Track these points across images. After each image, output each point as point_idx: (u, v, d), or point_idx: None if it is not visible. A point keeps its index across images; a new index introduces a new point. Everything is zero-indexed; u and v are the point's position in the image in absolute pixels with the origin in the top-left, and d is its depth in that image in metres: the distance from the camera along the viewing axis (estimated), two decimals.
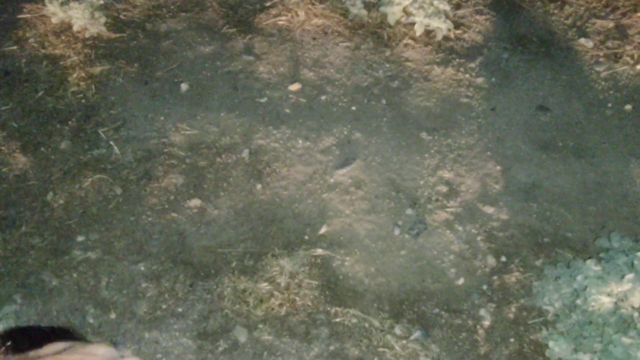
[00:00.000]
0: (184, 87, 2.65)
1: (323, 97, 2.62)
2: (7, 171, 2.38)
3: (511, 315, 2.08)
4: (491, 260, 2.20)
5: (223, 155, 2.43)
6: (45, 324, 2.03)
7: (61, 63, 2.70)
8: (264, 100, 2.61)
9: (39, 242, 2.20)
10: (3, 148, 2.43)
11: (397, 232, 2.25)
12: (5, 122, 2.52)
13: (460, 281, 2.15)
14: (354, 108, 2.59)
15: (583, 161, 2.45)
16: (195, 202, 2.31)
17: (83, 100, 2.59)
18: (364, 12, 2.89)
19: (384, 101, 2.62)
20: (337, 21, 2.89)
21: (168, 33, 2.83)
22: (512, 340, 2.04)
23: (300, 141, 2.48)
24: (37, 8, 2.86)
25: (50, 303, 2.07)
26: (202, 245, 2.21)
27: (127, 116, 2.55)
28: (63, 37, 2.76)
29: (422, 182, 2.38)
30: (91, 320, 2.04)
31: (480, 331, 2.05)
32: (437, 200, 2.34)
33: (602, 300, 1.96)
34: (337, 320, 2.05)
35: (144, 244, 2.21)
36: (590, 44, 2.83)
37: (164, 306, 2.07)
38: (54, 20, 2.79)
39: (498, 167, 2.43)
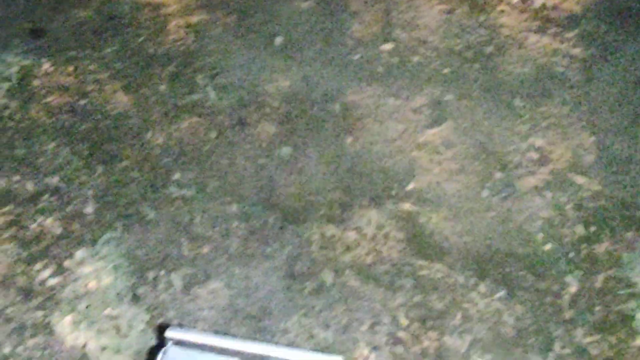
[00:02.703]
0: (278, 40, 2.70)
1: (415, 58, 2.63)
2: (110, 109, 2.49)
3: (598, 284, 2.07)
4: (580, 229, 2.18)
5: (315, 108, 2.48)
6: (141, 251, 2.14)
7: (162, 11, 2.79)
8: (356, 57, 2.64)
9: (138, 177, 2.31)
10: (107, 87, 2.55)
11: (485, 194, 2.25)
12: (110, 63, 2.63)
13: (548, 247, 2.14)
14: (446, 71, 2.59)
15: None
16: (286, 150, 2.37)
17: (182, 48, 2.68)
18: None
19: (477, 66, 2.60)
20: None
21: None
22: (597, 308, 2.02)
23: (391, 99, 2.50)
24: None
25: (148, 233, 2.17)
26: (292, 192, 2.27)
27: (223, 65, 2.62)
28: None
29: (512, 148, 2.37)
30: (186, 253, 2.13)
31: (566, 297, 2.04)
32: (527, 166, 2.33)
33: None
34: (422, 273, 2.08)
35: (236, 186, 2.29)
36: None
37: (254, 245, 2.15)
38: None
39: (592, 139, 2.39)
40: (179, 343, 1.53)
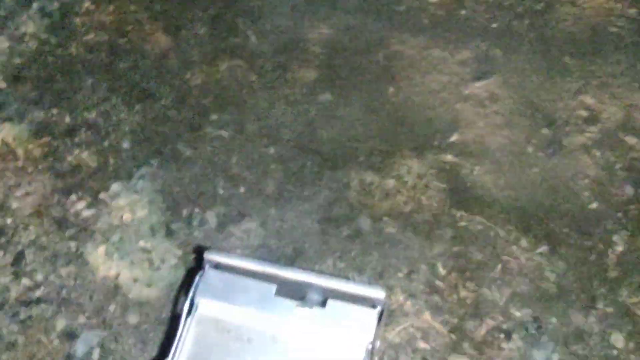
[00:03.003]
0: None
1: (463, 12, 2.54)
2: (149, 48, 2.46)
3: None
4: (629, 190, 2.09)
5: (357, 56, 2.42)
6: (176, 188, 2.11)
7: None
8: (402, 8, 2.56)
9: (176, 116, 2.28)
10: (147, 27, 2.52)
11: (530, 149, 2.18)
12: (149, 3, 2.59)
13: (594, 205, 2.07)
14: (494, 25, 2.50)
15: None
16: (327, 97, 2.31)
17: None
18: None
19: (526, 22, 2.51)
20: None
21: None
22: None
23: (436, 51, 2.42)
24: None
25: (184, 170, 2.15)
26: (331, 138, 2.22)
27: (265, 10, 2.57)
28: None
29: (561, 105, 2.28)
30: (221, 192, 2.10)
31: (612, 256, 1.97)
32: (575, 124, 2.24)
33: None
34: (462, 224, 2.02)
35: (274, 129, 2.25)
36: None
37: (290, 188, 2.11)
38: None
39: None
40: (217, 266, 1.51)
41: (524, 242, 1.99)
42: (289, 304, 1.47)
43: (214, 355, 1.48)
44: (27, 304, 1.94)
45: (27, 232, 2.06)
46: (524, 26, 2.50)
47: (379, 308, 1.45)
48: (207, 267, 1.50)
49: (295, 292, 1.48)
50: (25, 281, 1.98)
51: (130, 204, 2.07)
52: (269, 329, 1.50)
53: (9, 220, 2.08)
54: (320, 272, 1.58)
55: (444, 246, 1.98)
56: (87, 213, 2.07)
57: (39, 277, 1.98)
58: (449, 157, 2.16)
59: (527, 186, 2.11)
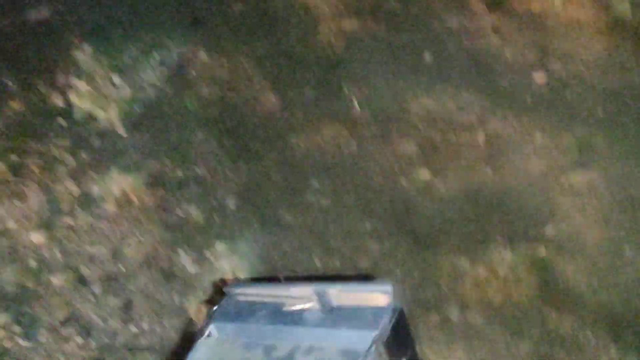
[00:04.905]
0: (426, 56, 2.67)
1: (568, 94, 2.53)
2: (258, 107, 2.58)
3: None
4: None
5: (458, 132, 2.46)
6: (275, 254, 2.23)
7: (313, 12, 2.83)
8: (505, 83, 2.57)
9: (279, 179, 2.39)
10: (257, 85, 2.64)
11: (628, 249, 2.16)
12: (260, 60, 2.71)
13: None
14: (600, 111, 2.48)
15: None
16: (424, 173, 2.37)
17: (329, 52, 2.71)
18: (627, 9, 2.70)
19: (634, 110, 2.47)
20: (595, 15, 2.73)
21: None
22: None
23: (538, 134, 2.43)
24: None
25: (283, 237, 2.26)
26: (426, 217, 2.28)
27: (369, 75, 2.63)
28: None
29: None
30: (317, 263, 2.20)
31: None
32: None
33: None
34: (551, 324, 2.04)
35: (371, 203, 2.32)
36: None
37: (383, 266, 2.18)
38: None
39: None
40: (235, 297, 1.69)
41: (613, 351, 1.99)
42: (299, 312, 1.64)
43: None
44: (133, 350, 2.10)
45: (136, 280, 2.22)
46: (631, 115, 2.46)
47: (388, 304, 1.61)
48: (225, 298, 1.71)
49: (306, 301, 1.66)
50: (132, 328, 2.15)
51: (232, 267, 2.20)
52: (283, 339, 1.67)
53: (122, 267, 2.25)
54: (325, 278, 1.75)
55: (531, 346, 2.01)
56: (192, 269, 2.22)
57: (145, 325, 2.14)
58: (543, 251, 2.17)
59: (622, 290, 2.10)
